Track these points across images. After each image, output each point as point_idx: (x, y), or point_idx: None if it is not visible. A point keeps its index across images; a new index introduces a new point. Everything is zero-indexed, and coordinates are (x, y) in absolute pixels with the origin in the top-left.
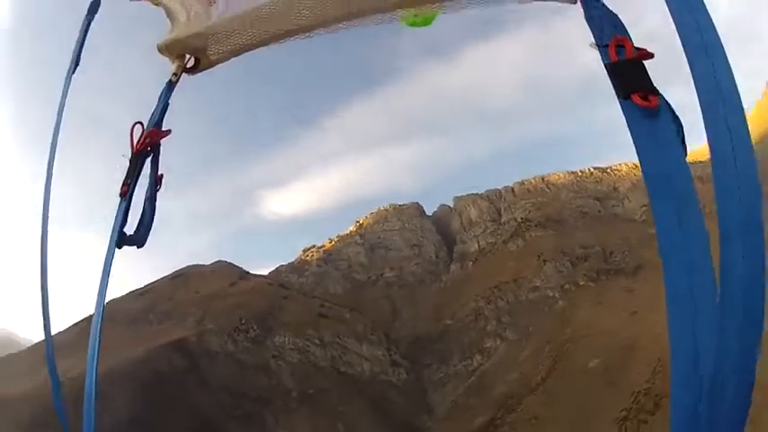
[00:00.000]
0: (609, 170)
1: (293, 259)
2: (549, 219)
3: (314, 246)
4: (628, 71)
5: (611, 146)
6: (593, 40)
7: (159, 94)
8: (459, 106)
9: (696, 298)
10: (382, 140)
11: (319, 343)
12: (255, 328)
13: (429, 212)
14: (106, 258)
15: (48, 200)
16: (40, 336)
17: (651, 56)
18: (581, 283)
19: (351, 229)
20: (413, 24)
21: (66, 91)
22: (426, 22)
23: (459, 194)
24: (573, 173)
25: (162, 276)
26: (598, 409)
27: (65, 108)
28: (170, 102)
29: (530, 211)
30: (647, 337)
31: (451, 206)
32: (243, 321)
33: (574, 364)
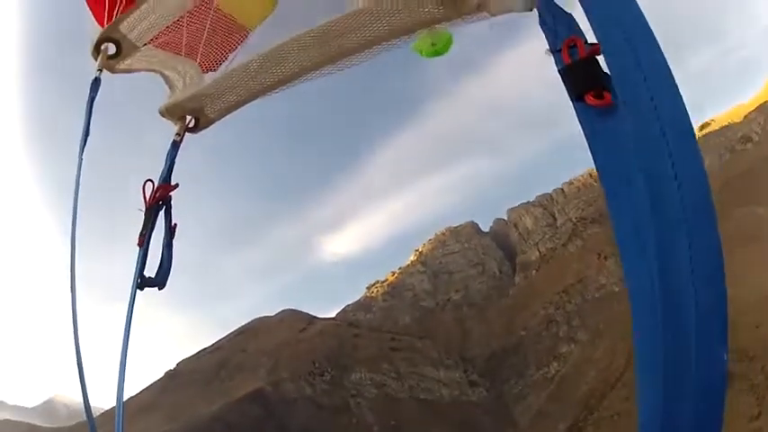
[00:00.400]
0: None
1: (359, 297)
2: (603, 213)
3: (377, 281)
4: (580, 71)
5: None
6: (547, 47)
7: (166, 153)
8: (497, 117)
9: (655, 303)
10: (426, 167)
11: (396, 375)
12: (330, 369)
13: (485, 229)
14: (130, 301)
15: (74, 275)
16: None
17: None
18: None
19: (411, 258)
20: (433, 54)
21: (81, 164)
22: (445, 48)
23: (511, 206)
24: None
25: (230, 332)
26: None
27: (80, 178)
28: (176, 160)
29: (583, 209)
30: None
31: (506, 219)
32: (317, 365)
33: None
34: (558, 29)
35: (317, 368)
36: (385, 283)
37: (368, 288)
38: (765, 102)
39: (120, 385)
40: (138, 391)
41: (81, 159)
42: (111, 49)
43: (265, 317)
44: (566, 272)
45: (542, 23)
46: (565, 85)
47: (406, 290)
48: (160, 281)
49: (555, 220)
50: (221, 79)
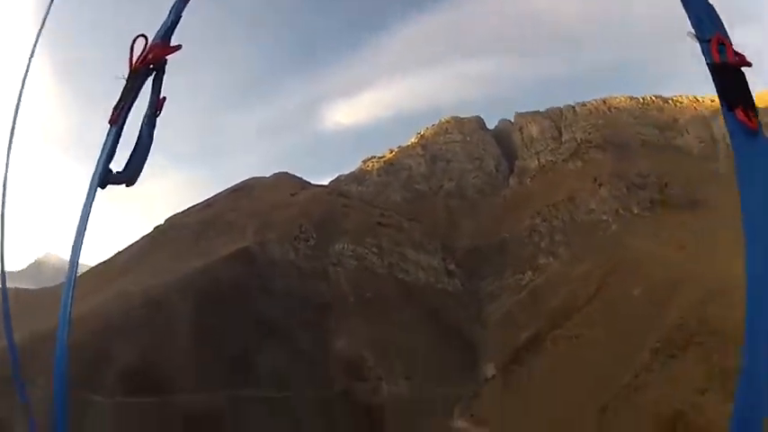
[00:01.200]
0: (671, 100)
1: (354, 169)
2: (609, 141)
3: (374, 156)
4: (731, 78)
5: (674, 77)
6: (690, 29)
7: (171, 5)
8: (532, 27)
9: None
10: (451, 53)
11: (377, 251)
12: (315, 236)
13: (490, 127)
14: (86, 199)
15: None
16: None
17: (750, 64)
18: (635, 212)
19: (412, 140)
20: None
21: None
22: None
23: (521, 111)
24: (634, 99)
25: (222, 190)
26: (635, 337)
27: None
28: (182, 15)
29: (590, 133)
30: (692, 274)
31: (512, 122)
32: (303, 230)
33: (619, 290)
34: (703, 17)
35: (303, 233)
36: (382, 159)
37: (364, 161)
38: None
39: (66, 292)
40: (128, 245)
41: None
42: None
43: (260, 177)
44: (560, 188)
45: (686, 4)
46: (716, 82)
47: (402, 169)
48: (130, 176)
49: (560, 135)
50: None
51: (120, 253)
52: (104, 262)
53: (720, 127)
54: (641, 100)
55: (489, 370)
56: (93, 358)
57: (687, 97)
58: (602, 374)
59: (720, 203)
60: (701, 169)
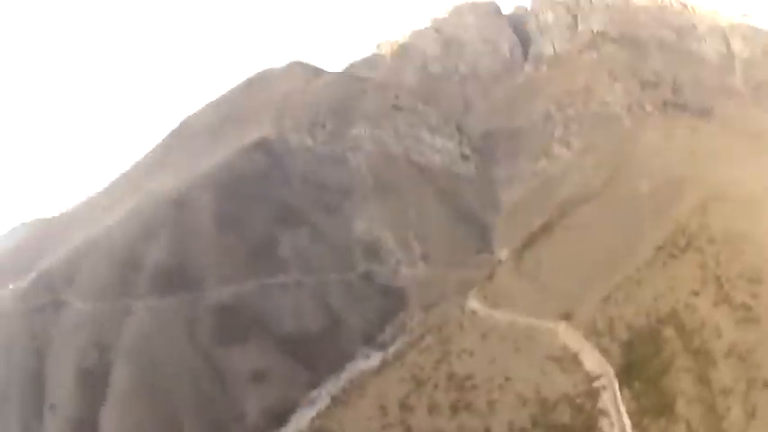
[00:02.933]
0: (690, 7)
1: (368, 54)
2: (625, 37)
3: (388, 40)
4: None
5: None
6: None
7: None
8: None
9: None
10: None
11: (393, 134)
12: (332, 121)
13: (505, 11)
14: None
15: None
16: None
17: None
18: (648, 109)
19: (426, 24)
20: None
21: None
22: None
23: None
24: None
25: (235, 86)
26: (640, 233)
27: None
28: None
29: (606, 25)
30: (699, 180)
31: (528, 8)
32: (319, 116)
33: (628, 184)
34: None
35: (320, 119)
36: (396, 43)
37: (378, 46)
38: None
39: None
40: (146, 152)
41: None
42: None
43: (271, 69)
44: (575, 78)
45: None
46: None
47: (416, 52)
48: None
49: (576, 24)
50: None
51: (140, 161)
52: (126, 172)
53: (739, 43)
54: (660, 0)
55: (502, 254)
56: (126, 264)
57: (707, 8)
58: (608, 264)
59: (732, 116)
60: (717, 79)
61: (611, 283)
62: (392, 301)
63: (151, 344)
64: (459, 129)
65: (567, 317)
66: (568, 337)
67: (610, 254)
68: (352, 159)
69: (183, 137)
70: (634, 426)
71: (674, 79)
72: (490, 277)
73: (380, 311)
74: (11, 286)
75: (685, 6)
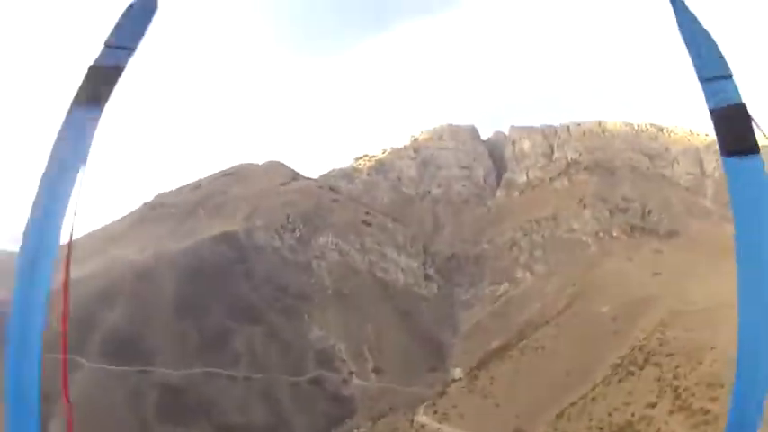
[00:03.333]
0: (665, 130)
1: (346, 166)
2: (599, 165)
3: (367, 155)
4: (732, 121)
5: (673, 106)
6: (692, 67)
7: None
8: (540, 42)
9: None
10: (454, 59)
11: (360, 248)
12: (301, 227)
13: (484, 138)
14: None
15: None
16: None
17: (746, 109)
18: (614, 235)
19: (405, 143)
20: None
21: None
22: None
23: (516, 124)
24: (629, 124)
25: (214, 172)
26: (597, 352)
27: None
28: None
29: (581, 154)
30: (660, 299)
31: (506, 134)
32: (290, 220)
33: (588, 307)
34: (702, 52)
35: (290, 223)
36: (374, 159)
37: (356, 159)
38: None
39: None
40: (116, 219)
41: None
42: None
43: (252, 163)
44: (544, 205)
45: (683, 32)
46: (715, 129)
47: (393, 170)
48: None
49: (552, 152)
50: None
51: (107, 226)
52: (93, 232)
53: (712, 162)
54: (636, 126)
55: (456, 373)
56: (81, 322)
57: (682, 129)
58: (563, 384)
59: (699, 236)
60: (687, 201)
61: (565, 401)
62: (340, 408)
63: (93, 405)
64: (426, 250)
65: None
66: None
67: (566, 375)
68: (316, 267)
69: (156, 212)
70: None
71: (643, 204)
72: (442, 394)
73: (328, 416)
74: None
75: (660, 130)
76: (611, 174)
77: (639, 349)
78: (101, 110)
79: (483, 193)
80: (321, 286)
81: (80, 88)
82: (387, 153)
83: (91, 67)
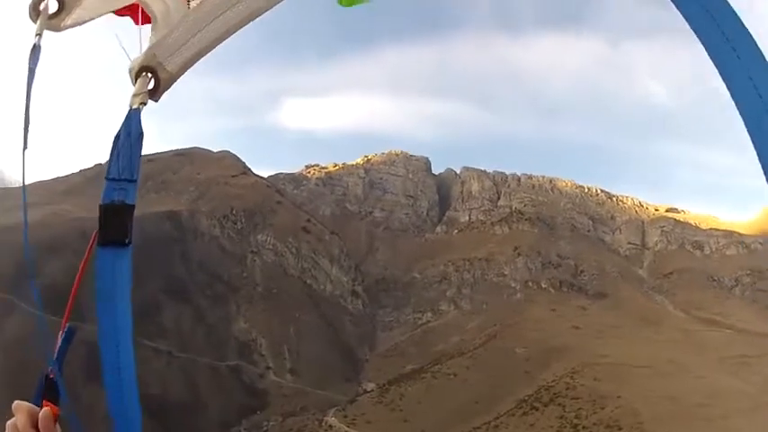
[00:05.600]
0: (615, 198)
1: (295, 171)
2: (540, 218)
3: (317, 165)
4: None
5: (628, 176)
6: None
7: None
8: (511, 84)
9: None
10: (423, 87)
11: (295, 252)
12: (243, 221)
13: (435, 171)
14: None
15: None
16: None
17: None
18: (543, 286)
19: (358, 160)
20: (349, 4)
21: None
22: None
23: (468, 165)
24: (581, 187)
25: (168, 150)
26: (506, 387)
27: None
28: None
29: (526, 205)
30: (575, 350)
31: (458, 173)
32: (233, 212)
33: (505, 346)
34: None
35: (233, 215)
36: (324, 170)
37: (307, 167)
38: None
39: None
40: (69, 174)
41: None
42: (53, 5)
43: (206, 149)
44: (480, 247)
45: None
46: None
47: (340, 185)
48: None
49: (498, 198)
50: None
51: (61, 177)
52: (45, 181)
53: (654, 236)
54: (586, 189)
55: (369, 386)
56: (22, 267)
57: (632, 199)
58: (470, 410)
59: (627, 302)
60: (621, 267)
61: (469, 425)
62: (254, 399)
63: (25, 350)
64: (358, 267)
65: None
66: None
67: (474, 402)
68: (249, 262)
69: (99, 178)
70: None
71: (577, 263)
72: (352, 401)
73: (241, 405)
74: None
75: (610, 197)
76: (551, 229)
77: (546, 389)
78: (127, 245)
79: (423, 225)
80: (252, 281)
81: (102, 231)
82: (337, 167)
83: (101, 207)
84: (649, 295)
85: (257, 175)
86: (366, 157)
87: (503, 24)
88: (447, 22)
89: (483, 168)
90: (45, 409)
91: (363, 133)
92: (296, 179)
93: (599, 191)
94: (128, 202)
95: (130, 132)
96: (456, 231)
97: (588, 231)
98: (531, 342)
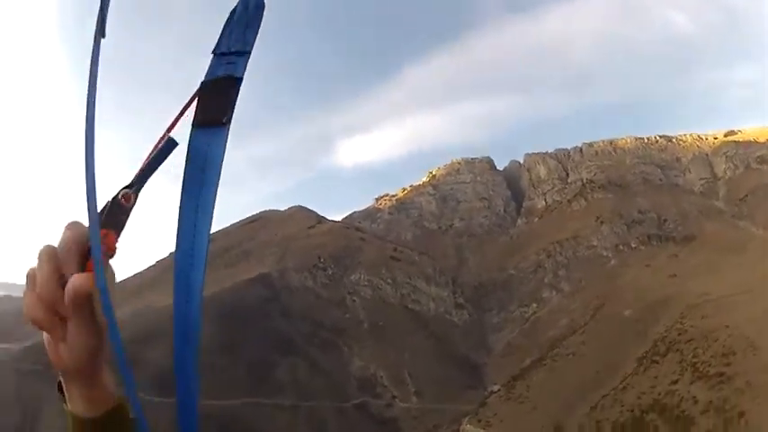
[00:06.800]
0: (674, 139)
1: (367, 206)
2: (612, 182)
3: (387, 194)
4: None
5: (678, 115)
6: None
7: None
8: (538, 63)
9: None
10: (458, 93)
11: (391, 282)
12: (333, 266)
13: (500, 167)
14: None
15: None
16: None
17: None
18: (633, 246)
19: (423, 179)
20: None
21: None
22: None
23: (529, 152)
24: (640, 139)
25: (238, 221)
26: (623, 351)
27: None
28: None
29: (595, 173)
30: (677, 297)
31: (521, 162)
32: (321, 260)
33: (613, 312)
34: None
35: (321, 263)
36: (394, 198)
37: (377, 199)
38: None
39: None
40: (145, 268)
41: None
42: None
43: (276, 210)
44: (564, 226)
45: None
46: None
47: (413, 208)
48: None
49: (567, 175)
50: None
51: (137, 274)
52: (126, 279)
53: (721, 164)
54: (646, 140)
55: (494, 387)
56: (129, 359)
57: (690, 135)
58: (594, 381)
59: (713, 237)
60: (700, 205)
61: (597, 395)
62: (385, 429)
63: None
64: (454, 281)
65: (557, 429)
66: None
67: (596, 373)
68: (350, 302)
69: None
70: None
71: (658, 214)
72: (482, 405)
73: None
74: (5, 345)
75: (669, 140)
76: (624, 189)
77: (661, 341)
78: (224, 127)
79: (504, 222)
80: (356, 320)
81: (199, 110)
82: (406, 191)
83: (204, 83)
84: (732, 223)
85: (332, 220)
86: (430, 173)
87: (514, 7)
88: (459, 24)
89: (544, 150)
90: (79, 276)
91: (419, 152)
92: (370, 214)
93: (657, 137)
94: (235, 75)
95: (248, 4)
96: (536, 219)
97: (660, 180)
98: (636, 302)
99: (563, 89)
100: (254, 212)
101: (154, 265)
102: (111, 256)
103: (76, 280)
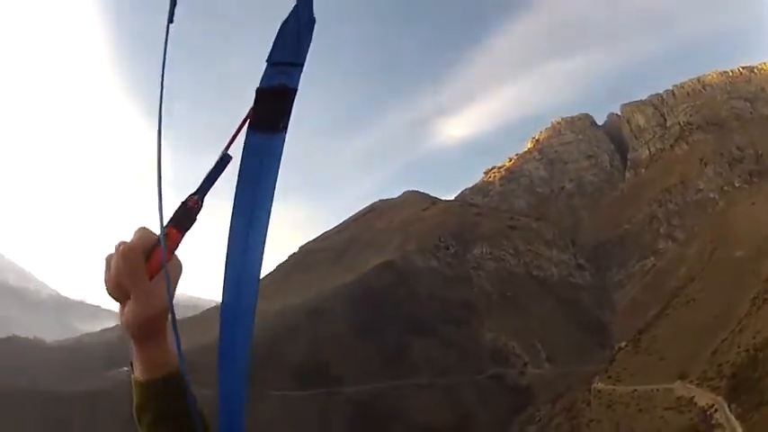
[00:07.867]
0: (756, 69)
1: (477, 181)
2: (708, 121)
3: (494, 166)
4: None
5: (757, 44)
6: None
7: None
8: (614, 12)
9: None
10: (542, 57)
11: (513, 252)
12: (454, 244)
13: (599, 122)
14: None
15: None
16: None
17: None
18: (737, 185)
19: (528, 146)
20: None
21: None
22: None
23: (624, 102)
24: (724, 73)
25: (352, 214)
26: (739, 291)
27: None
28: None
29: (690, 115)
30: None
31: (619, 114)
32: (441, 240)
33: (727, 256)
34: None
35: (442, 242)
36: (502, 168)
37: (485, 173)
38: None
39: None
40: (265, 274)
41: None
42: None
43: (388, 199)
44: (670, 173)
45: None
46: None
47: (523, 176)
48: None
49: (665, 120)
50: None
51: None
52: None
53: None
54: (730, 73)
55: (622, 344)
56: (265, 360)
57: None
58: (712, 326)
59: None
60: None
61: (717, 339)
62: (521, 397)
63: (277, 427)
64: (573, 242)
65: (682, 377)
66: (683, 389)
67: (713, 318)
68: (475, 277)
69: (305, 261)
70: (743, 422)
71: (755, 149)
72: (612, 361)
73: (510, 407)
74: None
75: (752, 70)
76: (720, 127)
77: None
78: (280, 134)
79: (612, 178)
80: (484, 293)
81: (255, 116)
82: (512, 161)
83: (259, 91)
84: None
85: (445, 200)
86: (533, 138)
87: None
88: None
89: (637, 98)
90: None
91: (517, 119)
92: (481, 188)
93: (741, 69)
94: (290, 86)
95: (299, 17)
96: (643, 169)
97: (750, 113)
98: (747, 241)
99: (644, 31)
100: (367, 203)
101: (275, 269)
102: (174, 250)
103: (126, 251)
